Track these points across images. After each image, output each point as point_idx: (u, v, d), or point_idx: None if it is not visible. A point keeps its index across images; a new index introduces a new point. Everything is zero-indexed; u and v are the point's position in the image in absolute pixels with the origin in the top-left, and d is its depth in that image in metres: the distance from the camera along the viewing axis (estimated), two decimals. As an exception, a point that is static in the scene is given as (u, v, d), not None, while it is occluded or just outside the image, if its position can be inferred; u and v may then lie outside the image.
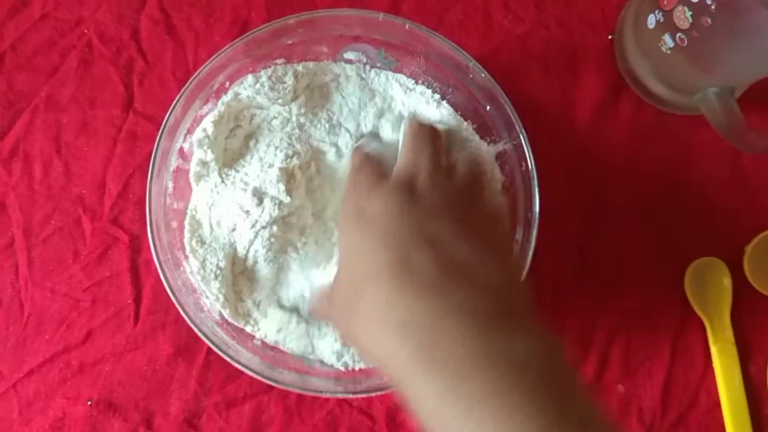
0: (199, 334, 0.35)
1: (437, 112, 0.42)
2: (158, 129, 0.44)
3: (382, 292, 0.28)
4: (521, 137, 0.39)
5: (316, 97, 0.42)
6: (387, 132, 0.41)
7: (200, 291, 0.38)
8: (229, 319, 0.38)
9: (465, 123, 0.43)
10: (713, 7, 0.37)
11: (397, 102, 0.42)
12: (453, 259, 0.29)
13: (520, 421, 0.24)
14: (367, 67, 0.42)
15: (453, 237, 0.30)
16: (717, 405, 0.46)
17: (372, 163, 0.36)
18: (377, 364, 0.30)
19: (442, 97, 0.42)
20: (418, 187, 0.33)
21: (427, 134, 0.37)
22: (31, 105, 0.47)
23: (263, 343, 0.38)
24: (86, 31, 0.48)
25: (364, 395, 0.36)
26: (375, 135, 0.41)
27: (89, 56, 0.48)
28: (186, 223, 0.38)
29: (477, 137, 0.42)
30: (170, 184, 0.38)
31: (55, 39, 0.48)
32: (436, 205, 0.32)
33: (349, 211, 0.33)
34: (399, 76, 0.43)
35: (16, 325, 0.45)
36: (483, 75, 0.39)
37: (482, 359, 0.26)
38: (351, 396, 0.36)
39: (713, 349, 0.46)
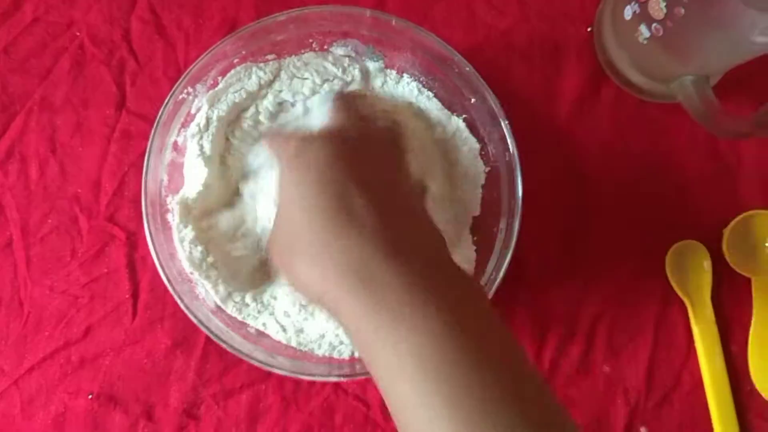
0: (196, 322, 0.36)
1: (426, 104, 0.44)
2: (151, 127, 0.46)
3: (320, 235, 0.30)
4: (504, 128, 0.40)
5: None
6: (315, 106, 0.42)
7: (195, 280, 0.39)
8: (226, 309, 0.39)
9: (453, 116, 0.44)
10: (685, -2, 0.38)
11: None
12: (387, 204, 0.31)
13: (431, 332, 0.27)
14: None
15: (383, 185, 0.33)
16: (700, 384, 0.47)
17: (298, 132, 0.38)
18: (313, 298, 0.31)
19: (429, 91, 0.44)
20: (350, 138, 0.35)
21: (350, 97, 0.40)
22: (26, 107, 0.48)
23: (257, 330, 0.39)
24: (78, 34, 0.49)
25: (357, 378, 0.37)
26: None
27: (81, 58, 0.49)
28: (177, 213, 0.39)
29: (467, 131, 0.44)
30: (165, 177, 0.39)
31: (47, 42, 0.49)
32: (363, 152, 0.34)
33: (286, 158, 0.34)
34: (389, 71, 0.44)
35: (16, 323, 0.46)
36: (468, 68, 0.40)
37: (408, 284, 0.29)
38: (344, 380, 0.37)
39: (695, 330, 0.47)
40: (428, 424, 0.26)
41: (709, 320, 0.47)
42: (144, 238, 0.45)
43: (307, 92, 0.41)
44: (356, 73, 0.43)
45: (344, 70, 0.42)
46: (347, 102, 0.40)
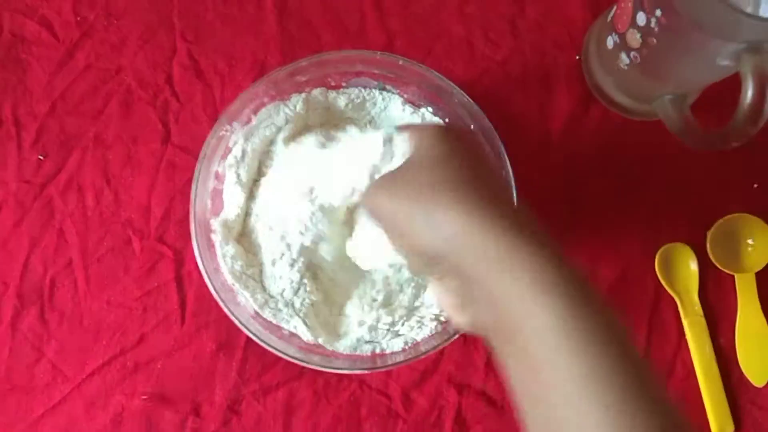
0: (239, 325, 0.42)
1: None
2: (194, 159, 0.52)
3: (485, 185, 0.32)
4: (501, 150, 0.46)
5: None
6: None
7: (236, 290, 0.45)
8: (263, 315, 0.45)
9: None
10: (656, 30, 0.44)
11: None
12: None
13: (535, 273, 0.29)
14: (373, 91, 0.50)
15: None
16: (692, 373, 0.52)
17: None
18: (437, 243, 0.32)
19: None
20: None
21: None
22: (81, 144, 0.54)
23: (290, 332, 0.45)
24: (126, 78, 0.55)
25: (379, 370, 0.42)
26: None
27: (130, 99, 0.55)
28: (219, 233, 0.45)
29: None
30: (209, 202, 0.46)
31: (98, 86, 0.55)
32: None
33: (431, 132, 0.35)
34: (399, 98, 0.50)
35: (77, 334, 0.52)
36: (465, 99, 0.46)
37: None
38: (368, 372, 0.42)
39: (685, 323, 0.52)
40: (572, 384, 0.28)
41: (698, 314, 0.52)
42: (189, 255, 0.52)
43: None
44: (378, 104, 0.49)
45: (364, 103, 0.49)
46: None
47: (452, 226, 0.31)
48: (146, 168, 0.54)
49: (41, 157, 0.54)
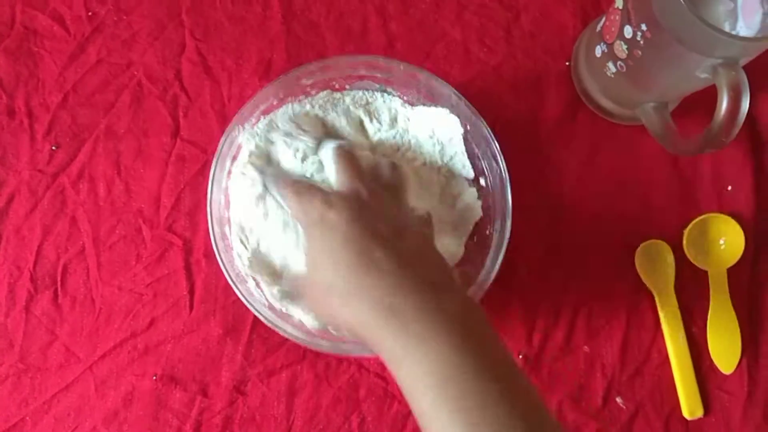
0: (255, 313, 0.45)
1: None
2: (202, 153, 0.55)
3: (352, 282, 0.38)
4: (495, 148, 0.49)
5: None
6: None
7: (249, 282, 0.48)
8: (274, 304, 0.48)
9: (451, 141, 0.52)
10: (642, 42, 0.47)
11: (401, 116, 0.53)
12: (399, 250, 0.39)
13: (443, 353, 0.35)
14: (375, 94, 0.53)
15: (394, 233, 0.40)
16: (666, 360, 0.55)
17: (315, 186, 0.44)
18: (351, 331, 0.39)
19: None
20: (362, 197, 0.42)
21: (349, 154, 0.46)
22: (93, 135, 0.56)
23: (299, 320, 0.48)
24: (136, 73, 0.58)
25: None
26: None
27: (140, 94, 0.57)
28: (233, 230, 0.48)
29: (464, 154, 0.53)
30: (222, 198, 0.48)
31: (109, 80, 0.57)
32: (377, 209, 0.41)
33: (311, 220, 0.41)
34: (399, 99, 0.53)
35: (89, 318, 0.54)
36: (463, 101, 0.49)
37: (423, 313, 0.36)
38: (372, 355, 0.46)
39: (661, 315, 0.55)
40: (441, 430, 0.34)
41: (673, 306, 0.56)
42: (197, 244, 0.55)
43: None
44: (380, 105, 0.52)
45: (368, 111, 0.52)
46: (348, 159, 0.45)
47: (348, 326, 0.39)
48: (156, 160, 0.56)
49: (54, 148, 0.56)
